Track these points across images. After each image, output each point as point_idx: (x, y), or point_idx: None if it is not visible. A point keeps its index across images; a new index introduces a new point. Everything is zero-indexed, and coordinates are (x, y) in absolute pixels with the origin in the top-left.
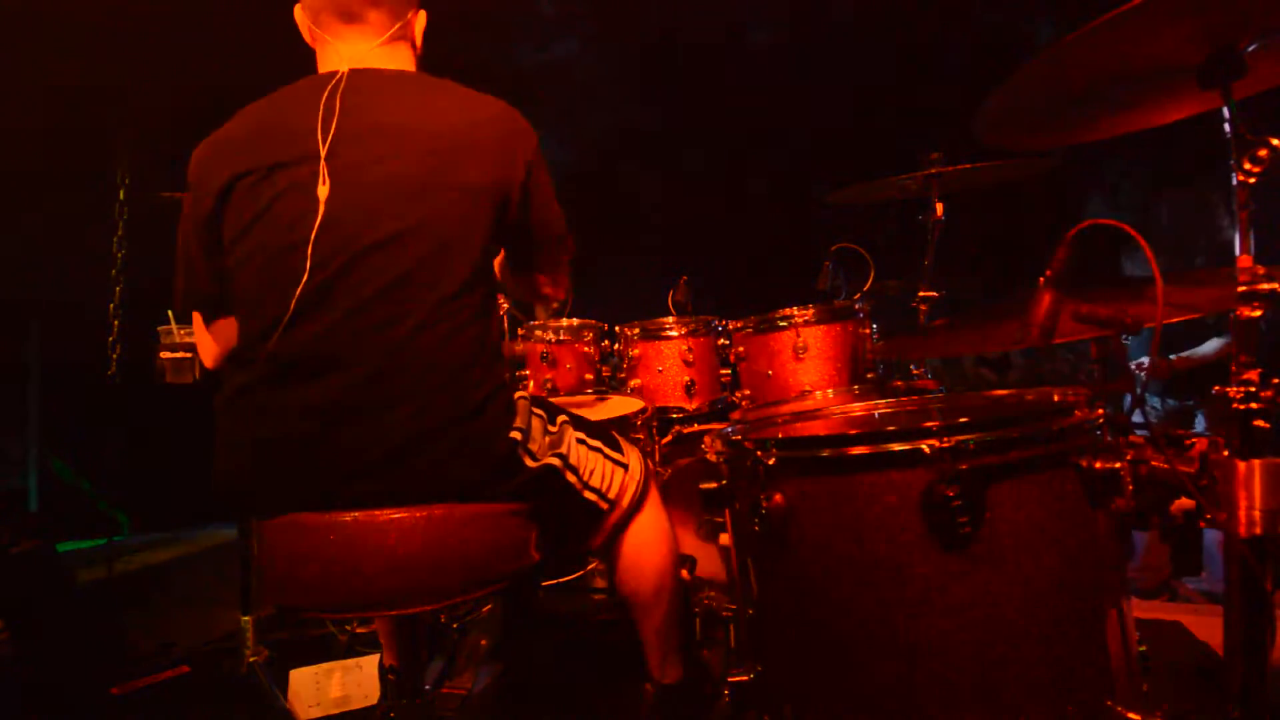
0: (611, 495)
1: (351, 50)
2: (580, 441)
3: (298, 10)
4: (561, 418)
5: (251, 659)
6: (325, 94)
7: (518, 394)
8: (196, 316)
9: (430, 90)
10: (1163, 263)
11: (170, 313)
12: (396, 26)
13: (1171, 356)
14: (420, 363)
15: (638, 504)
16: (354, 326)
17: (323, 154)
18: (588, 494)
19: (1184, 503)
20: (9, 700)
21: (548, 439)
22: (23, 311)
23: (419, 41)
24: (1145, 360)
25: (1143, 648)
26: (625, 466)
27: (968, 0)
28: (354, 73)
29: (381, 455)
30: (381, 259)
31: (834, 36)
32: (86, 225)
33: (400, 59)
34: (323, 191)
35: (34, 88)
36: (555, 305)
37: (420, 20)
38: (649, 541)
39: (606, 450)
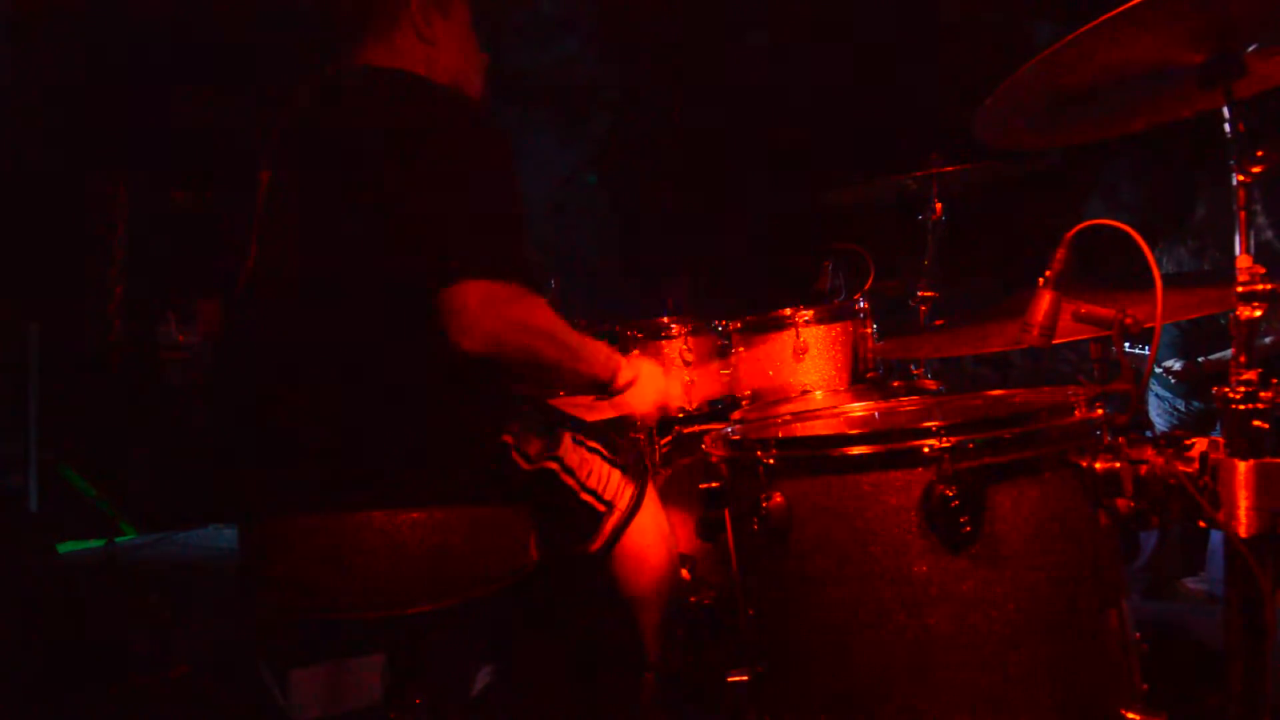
0: (608, 497)
1: (360, 50)
2: (578, 442)
3: None
4: (557, 418)
5: (252, 659)
6: (306, 89)
7: (512, 395)
8: None
9: (396, 86)
10: (1200, 261)
11: (170, 312)
12: (387, 20)
13: (1200, 360)
14: (404, 364)
15: (635, 506)
16: (326, 328)
17: (277, 144)
18: (585, 495)
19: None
20: (9, 699)
21: (543, 441)
22: (23, 312)
23: (425, 29)
24: (1174, 364)
25: (1143, 647)
26: (623, 468)
27: (968, 0)
28: (337, 70)
29: (376, 458)
30: (339, 258)
31: (833, 36)
32: (86, 226)
33: (399, 52)
34: (267, 178)
35: (35, 87)
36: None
37: (418, 7)
38: (647, 542)
39: (604, 451)
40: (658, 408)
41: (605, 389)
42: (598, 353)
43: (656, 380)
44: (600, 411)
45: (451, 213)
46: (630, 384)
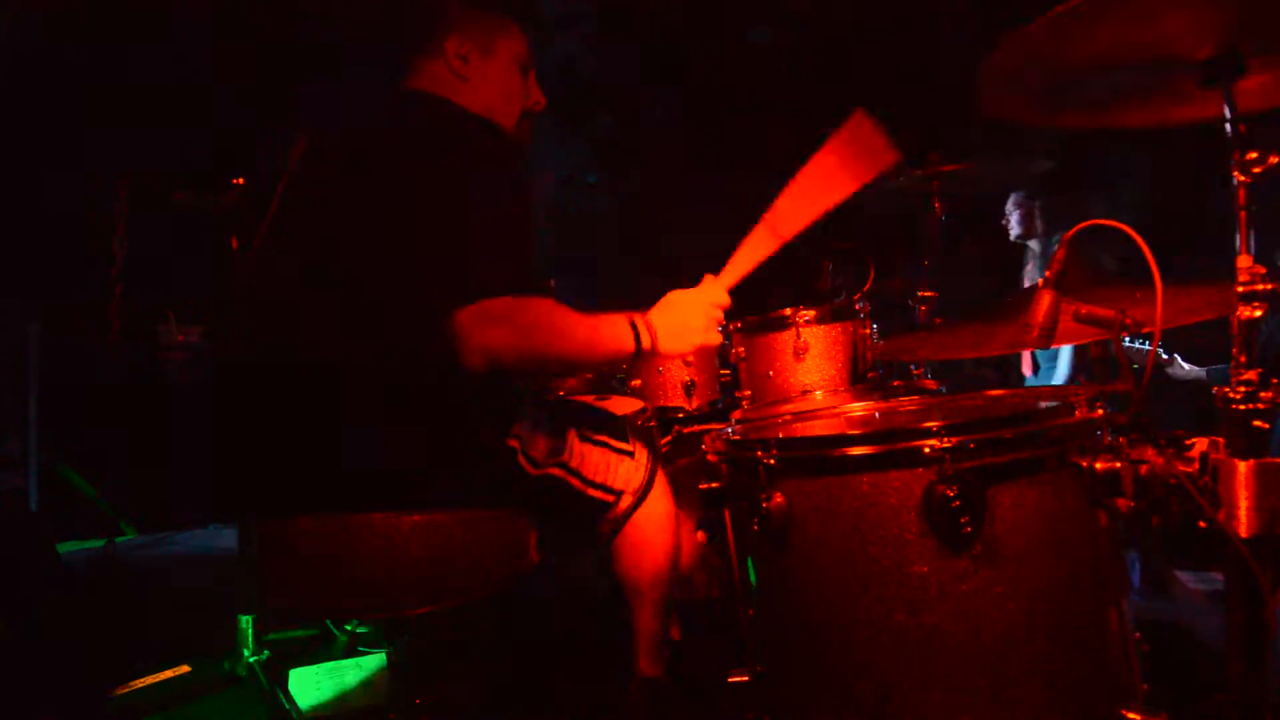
0: (617, 486)
1: (391, 71)
2: (584, 439)
3: None
4: (565, 417)
5: (251, 659)
6: (335, 101)
7: (518, 396)
8: None
9: (398, 106)
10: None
11: (170, 312)
12: (420, 52)
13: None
14: (410, 368)
15: (644, 491)
16: (335, 329)
17: (304, 150)
18: (592, 491)
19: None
20: (9, 700)
21: (549, 443)
22: (23, 312)
23: (460, 66)
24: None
25: (1143, 647)
26: (631, 454)
27: (968, 1)
28: (367, 87)
29: (381, 461)
30: (350, 262)
31: (834, 36)
32: (86, 225)
33: (429, 79)
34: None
35: (35, 86)
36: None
37: (456, 43)
38: (652, 529)
39: (612, 442)
40: (704, 337)
41: (634, 354)
42: (610, 329)
43: (684, 316)
44: (607, 404)
45: (454, 240)
46: (654, 344)
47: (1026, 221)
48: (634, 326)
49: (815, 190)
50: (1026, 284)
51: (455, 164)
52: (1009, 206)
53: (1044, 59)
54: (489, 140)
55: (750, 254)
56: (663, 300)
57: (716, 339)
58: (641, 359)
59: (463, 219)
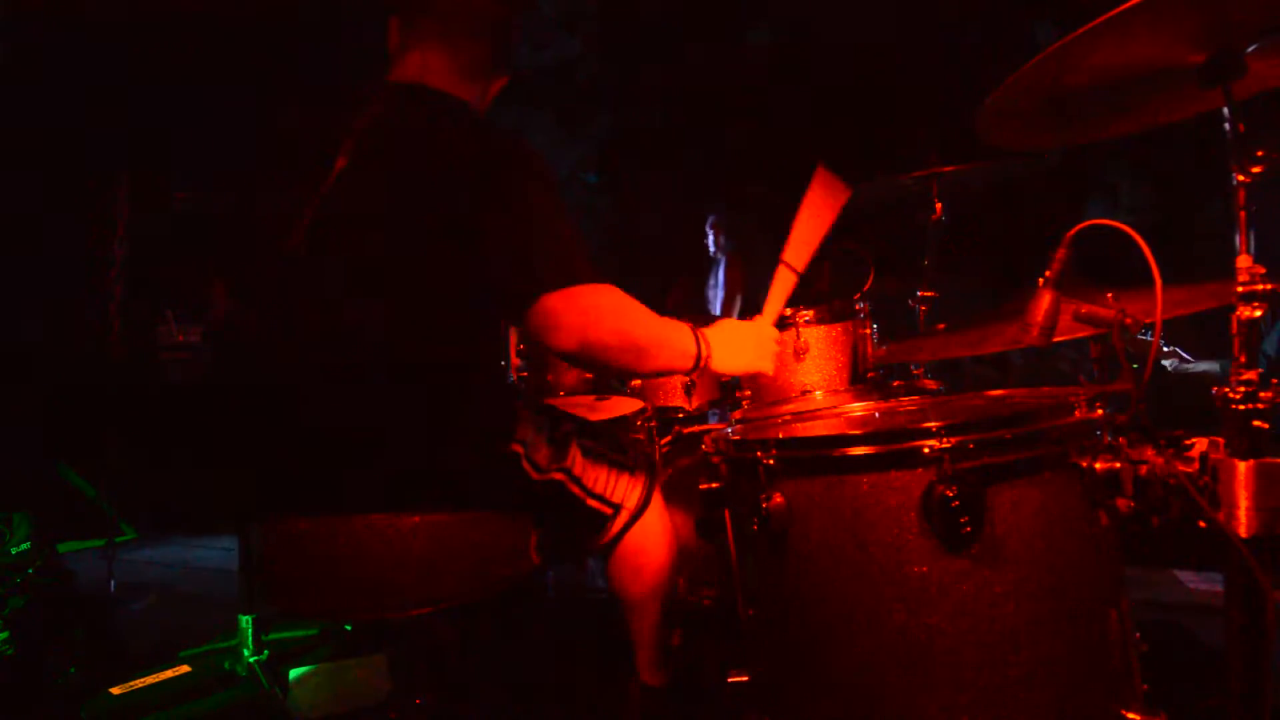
0: (616, 500)
1: (408, 63)
2: (586, 450)
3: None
4: (566, 426)
5: (251, 659)
6: (383, 94)
7: (520, 402)
8: None
9: (428, 106)
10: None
11: (169, 312)
12: (441, 35)
13: None
14: (415, 369)
15: (640, 510)
16: (343, 330)
17: (341, 158)
18: (591, 502)
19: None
20: (9, 700)
21: (551, 449)
22: (23, 312)
23: (493, 70)
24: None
25: (1143, 647)
26: (631, 470)
27: (968, 1)
28: (393, 85)
29: (385, 462)
30: (360, 260)
31: (833, 37)
32: (86, 225)
33: (444, 69)
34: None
35: (35, 86)
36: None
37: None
38: (649, 543)
39: (612, 455)
40: (756, 363)
41: (694, 363)
42: (677, 331)
43: (738, 338)
44: (602, 412)
45: (526, 235)
46: (709, 358)
47: (718, 238)
48: (695, 335)
49: (810, 226)
50: (710, 291)
51: (510, 178)
52: (708, 226)
53: (1039, 93)
54: (526, 150)
55: (780, 291)
56: (716, 323)
57: (770, 367)
58: (696, 372)
59: (529, 214)
